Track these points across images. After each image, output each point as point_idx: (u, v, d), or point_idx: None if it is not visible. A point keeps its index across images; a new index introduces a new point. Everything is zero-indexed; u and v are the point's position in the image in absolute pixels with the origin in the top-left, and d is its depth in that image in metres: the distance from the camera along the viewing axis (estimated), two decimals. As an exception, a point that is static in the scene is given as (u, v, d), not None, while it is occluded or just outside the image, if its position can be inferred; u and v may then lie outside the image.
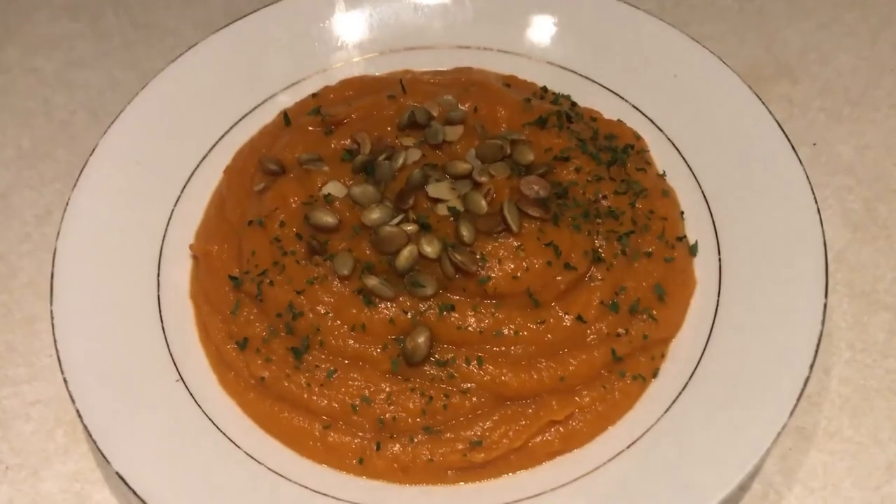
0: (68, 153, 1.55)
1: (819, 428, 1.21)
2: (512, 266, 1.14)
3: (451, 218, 1.18)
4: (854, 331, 1.30)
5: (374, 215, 1.17)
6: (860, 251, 1.38)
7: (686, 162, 1.32)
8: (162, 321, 1.19)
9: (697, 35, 1.65)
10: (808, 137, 1.52)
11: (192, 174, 1.36)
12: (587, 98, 1.42)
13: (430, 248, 1.14)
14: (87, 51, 1.69)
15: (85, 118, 1.59)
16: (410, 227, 1.16)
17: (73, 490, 1.18)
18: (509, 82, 1.43)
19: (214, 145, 1.39)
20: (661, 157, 1.34)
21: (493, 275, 1.13)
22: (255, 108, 1.43)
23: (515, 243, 1.15)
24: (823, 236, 1.15)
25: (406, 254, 1.14)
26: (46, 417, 1.23)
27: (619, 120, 1.38)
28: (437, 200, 1.19)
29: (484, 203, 1.17)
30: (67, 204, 1.25)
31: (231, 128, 1.41)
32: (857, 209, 1.43)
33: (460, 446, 1.08)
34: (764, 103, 1.30)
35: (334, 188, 1.23)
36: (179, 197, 1.33)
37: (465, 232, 1.14)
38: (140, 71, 1.64)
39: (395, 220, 1.17)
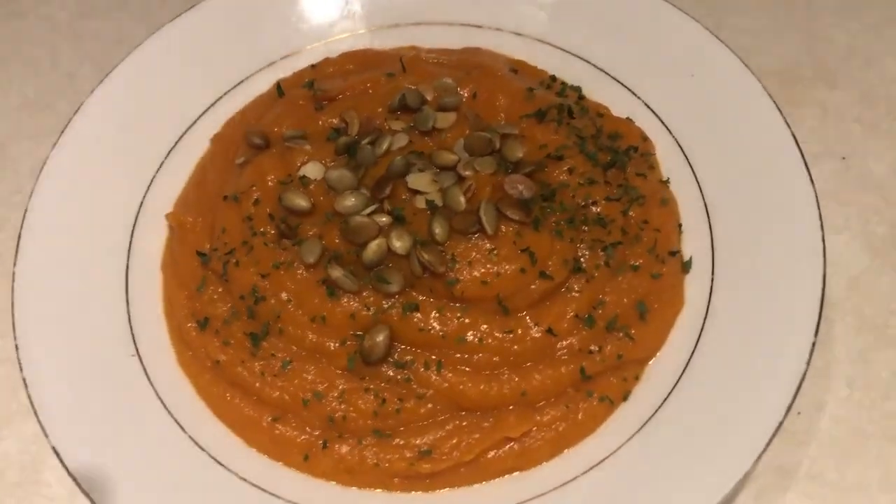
0: (71, 106, 1.52)
1: (801, 468, 1.14)
2: (482, 270, 1.08)
3: (429, 212, 1.12)
4: (856, 366, 1.21)
5: (348, 202, 1.12)
6: (877, 280, 1.28)
7: (692, 170, 1.23)
8: (127, 291, 1.17)
9: (734, 27, 1.55)
10: (837, 149, 1.41)
11: (180, 140, 1.32)
12: (598, 91, 1.33)
13: (399, 244, 1.08)
14: (101, 1, 1.66)
15: (91, 71, 1.57)
16: (384, 219, 1.11)
17: (30, 451, 1.18)
18: (517, 68, 1.35)
19: (206, 111, 1.35)
20: (668, 162, 1.25)
21: (461, 277, 1.07)
22: (253, 74, 1.39)
23: (489, 246, 1.09)
24: (824, 272, 1.06)
25: (374, 247, 1.09)
26: (12, 376, 1.22)
27: (627, 118, 1.29)
28: (416, 192, 1.14)
29: (462, 200, 1.11)
30: (45, 162, 1.23)
31: (225, 93, 1.37)
32: (881, 233, 1.33)
33: (408, 454, 1.04)
34: (783, 116, 1.19)
35: (312, 170, 1.18)
36: (163, 163, 1.30)
37: (438, 229, 1.09)
38: (151, 25, 1.59)
39: (368, 210, 1.12)
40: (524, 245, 1.09)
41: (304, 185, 1.17)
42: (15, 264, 1.14)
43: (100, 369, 1.09)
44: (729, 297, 1.11)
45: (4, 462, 1.17)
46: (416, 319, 1.07)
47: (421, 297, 1.08)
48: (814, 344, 1.02)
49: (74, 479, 0.98)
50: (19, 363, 1.06)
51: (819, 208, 1.11)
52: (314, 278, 1.10)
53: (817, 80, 1.49)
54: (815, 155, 1.39)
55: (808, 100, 1.47)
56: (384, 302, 1.08)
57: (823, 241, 1.08)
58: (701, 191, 1.20)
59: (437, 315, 1.07)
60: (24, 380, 1.05)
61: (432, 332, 1.07)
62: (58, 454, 1.00)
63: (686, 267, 1.16)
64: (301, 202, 1.14)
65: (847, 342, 1.23)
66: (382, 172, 1.16)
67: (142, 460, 1.02)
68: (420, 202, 1.13)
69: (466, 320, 1.07)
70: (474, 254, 1.08)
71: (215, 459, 1.04)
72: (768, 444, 0.97)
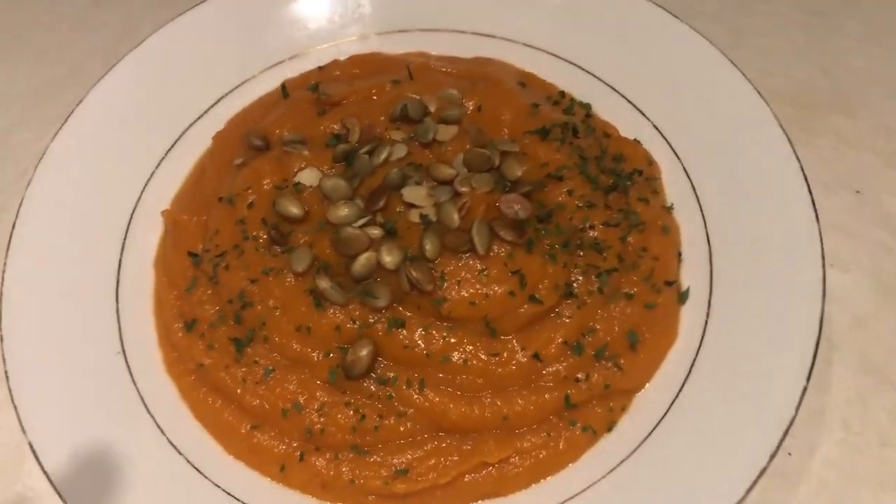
0: (76, 97, 1.52)
1: (788, 511, 1.11)
2: (471, 290, 1.06)
3: (422, 226, 1.10)
4: (854, 409, 1.17)
5: (341, 213, 1.11)
6: (884, 320, 1.24)
7: (697, 198, 1.19)
8: (118, 287, 1.17)
9: (752, 47, 1.51)
10: (852, 182, 1.37)
11: (183, 135, 1.31)
12: (607, 109, 1.30)
13: (389, 258, 1.07)
14: (114, -9, 1.66)
15: (97, 63, 1.57)
16: (376, 232, 1.10)
17: (13, 441, 1.17)
18: (526, 81, 1.33)
19: (211, 108, 1.34)
20: (673, 187, 1.22)
21: (449, 297, 1.06)
22: (260, 73, 1.37)
23: (479, 266, 1.07)
24: (822, 315, 1.03)
25: (363, 260, 1.07)
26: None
27: (635, 139, 1.26)
28: (410, 205, 1.12)
29: (456, 217, 1.09)
30: (43, 154, 1.22)
31: (231, 91, 1.36)
32: (891, 271, 1.28)
33: (384, 472, 1.03)
34: (793, 148, 1.15)
35: (308, 176, 1.17)
36: (164, 158, 1.29)
37: (429, 246, 1.07)
38: (159, 20, 1.59)
39: (361, 222, 1.10)
40: (515, 267, 1.07)
41: (299, 191, 1.16)
42: (6, 255, 1.14)
43: (84, 366, 1.09)
44: (724, 332, 1.08)
45: (-12, 449, 1.17)
46: (401, 336, 1.06)
47: (408, 314, 1.07)
48: (805, 389, 0.99)
49: (48, 477, 0.98)
50: (2, 356, 1.06)
51: (822, 247, 1.07)
52: (302, 287, 1.09)
53: (835, 108, 1.45)
54: (828, 185, 1.36)
55: (825, 127, 1.43)
56: (370, 316, 1.07)
57: (824, 282, 1.05)
58: (704, 220, 1.17)
59: (423, 333, 1.06)
60: (6, 373, 1.05)
61: (417, 349, 1.05)
62: (34, 451, 0.99)
63: (682, 298, 1.13)
64: (293, 209, 1.13)
65: (846, 383, 1.19)
66: (378, 183, 1.14)
67: (118, 461, 1.02)
68: (414, 216, 1.11)
69: (452, 340, 1.06)
70: (464, 273, 1.06)
71: (192, 465, 1.03)
72: (750, 489, 0.94)
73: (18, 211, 1.18)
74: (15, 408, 1.03)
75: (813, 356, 1.00)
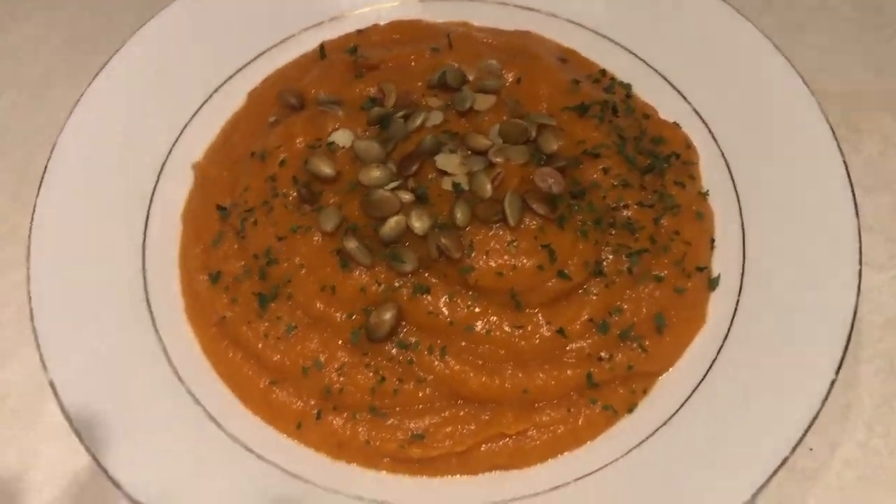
0: (113, 47, 1.51)
1: (804, 505, 1.09)
2: (499, 261, 1.05)
3: (454, 194, 1.09)
4: (879, 411, 1.15)
5: (372, 174, 1.10)
6: (916, 324, 1.22)
7: (734, 185, 1.17)
8: (145, 235, 1.17)
9: (803, 43, 1.48)
10: (895, 183, 1.34)
11: (217, 90, 1.31)
12: (648, 90, 1.29)
13: (418, 224, 1.06)
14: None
15: (136, 14, 1.56)
16: (406, 196, 1.09)
17: (35, 381, 1.18)
18: (567, 57, 1.31)
19: (247, 64, 1.33)
20: (710, 174, 1.20)
21: (476, 266, 1.05)
22: (299, 33, 1.36)
23: (509, 237, 1.05)
24: (855, 312, 1.01)
25: (392, 223, 1.06)
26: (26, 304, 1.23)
27: (675, 122, 1.24)
28: (443, 173, 1.11)
29: (489, 187, 1.08)
30: (78, 101, 1.22)
31: (269, 49, 1.35)
32: (927, 275, 1.26)
33: (400, 436, 1.02)
34: (838, 144, 1.13)
35: (342, 137, 1.16)
36: (198, 112, 1.28)
37: (460, 214, 1.06)
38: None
39: (392, 185, 1.09)
40: (546, 241, 1.05)
41: (332, 151, 1.15)
42: (38, 195, 1.14)
43: (108, 310, 1.09)
44: (753, 321, 1.06)
45: (8, 388, 1.18)
46: (425, 302, 1.05)
47: (433, 281, 1.06)
48: (833, 382, 0.97)
49: (66, 415, 0.98)
50: (29, 294, 1.06)
51: (860, 244, 1.05)
52: (329, 247, 1.08)
53: (883, 108, 1.42)
54: (869, 186, 1.33)
55: (871, 127, 1.40)
56: (396, 280, 1.06)
57: (860, 278, 1.03)
58: (740, 208, 1.15)
59: (448, 301, 1.05)
60: (31, 311, 1.05)
61: (441, 316, 1.05)
62: (55, 390, 1.00)
63: (713, 284, 1.11)
64: (325, 168, 1.12)
65: (874, 385, 1.17)
66: (412, 148, 1.13)
67: (136, 405, 1.02)
68: (446, 183, 1.10)
69: (477, 309, 1.05)
70: (493, 244, 1.05)
71: (209, 414, 1.03)
72: (770, 478, 0.93)
73: (50, 156, 1.18)
74: (38, 346, 1.03)
75: (844, 349, 0.98)
